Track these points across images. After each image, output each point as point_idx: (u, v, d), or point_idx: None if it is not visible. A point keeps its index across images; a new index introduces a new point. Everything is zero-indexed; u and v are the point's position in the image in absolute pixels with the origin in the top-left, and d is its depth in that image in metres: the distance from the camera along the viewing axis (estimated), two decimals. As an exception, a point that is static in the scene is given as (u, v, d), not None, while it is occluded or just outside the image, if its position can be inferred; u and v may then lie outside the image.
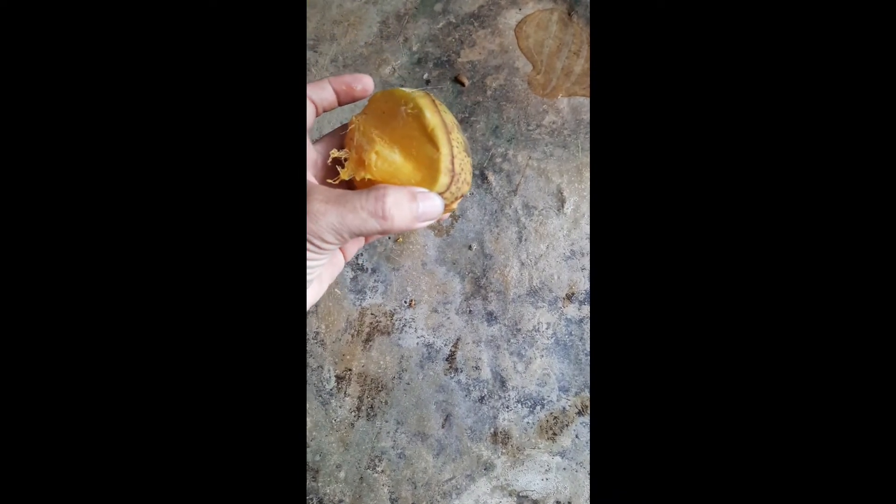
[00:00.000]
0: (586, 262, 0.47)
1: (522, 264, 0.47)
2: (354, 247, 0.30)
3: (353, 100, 0.28)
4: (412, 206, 0.24)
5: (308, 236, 0.22)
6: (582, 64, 0.54)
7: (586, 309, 0.46)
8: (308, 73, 0.52)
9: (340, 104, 0.28)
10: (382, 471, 0.44)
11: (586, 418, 0.44)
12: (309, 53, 0.53)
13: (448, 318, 0.47)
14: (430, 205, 0.25)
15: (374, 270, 0.48)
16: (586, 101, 0.51)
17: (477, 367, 0.46)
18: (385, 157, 0.26)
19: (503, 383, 0.46)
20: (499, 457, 0.45)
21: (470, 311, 0.47)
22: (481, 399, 0.46)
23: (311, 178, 0.25)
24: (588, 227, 0.47)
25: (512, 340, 0.46)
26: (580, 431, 0.45)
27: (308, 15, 0.54)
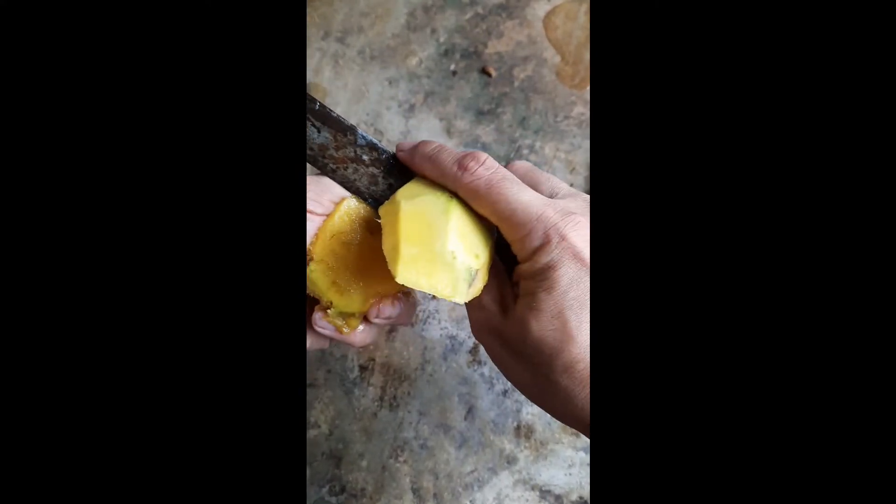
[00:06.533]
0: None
1: (548, 257, 0.46)
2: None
3: None
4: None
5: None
6: (612, 54, 0.53)
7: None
8: (336, 64, 0.53)
9: None
10: (405, 461, 0.44)
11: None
12: (336, 45, 0.53)
13: (472, 310, 0.47)
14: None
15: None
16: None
17: (500, 360, 0.46)
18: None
19: (527, 377, 0.46)
20: (522, 451, 0.45)
21: (494, 303, 0.46)
22: (504, 392, 0.46)
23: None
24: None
25: (536, 333, 0.46)
26: (605, 427, 0.44)
27: (336, 7, 0.54)
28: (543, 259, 0.23)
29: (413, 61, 0.53)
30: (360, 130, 0.27)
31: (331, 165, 0.27)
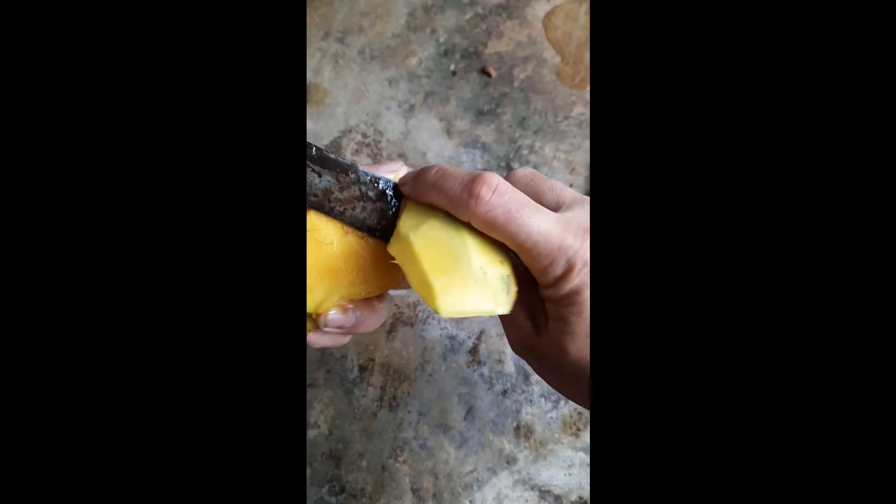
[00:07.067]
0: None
1: (548, 257, 0.46)
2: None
3: None
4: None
5: None
6: (611, 54, 0.53)
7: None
8: (336, 64, 0.53)
9: None
10: (404, 461, 0.44)
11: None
12: (336, 45, 0.53)
13: (472, 310, 0.47)
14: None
15: (398, 261, 0.48)
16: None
17: (500, 361, 0.46)
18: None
19: (526, 377, 0.46)
20: (521, 451, 0.45)
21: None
22: (504, 392, 0.46)
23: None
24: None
25: (536, 334, 0.46)
26: (604, 427, 0.44)
27: (336, 7, 0.54)
28: (567, 286, 0.23)
29: (413, 61, 0.53)
30: (360, 167, 0.26)
31: (338, 208, 0.26)
